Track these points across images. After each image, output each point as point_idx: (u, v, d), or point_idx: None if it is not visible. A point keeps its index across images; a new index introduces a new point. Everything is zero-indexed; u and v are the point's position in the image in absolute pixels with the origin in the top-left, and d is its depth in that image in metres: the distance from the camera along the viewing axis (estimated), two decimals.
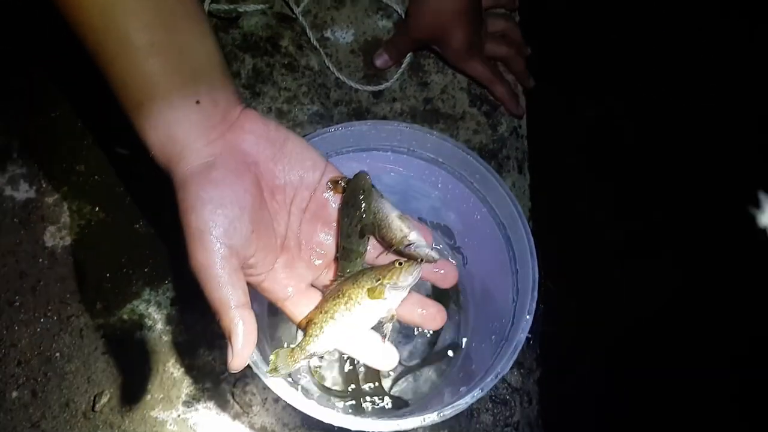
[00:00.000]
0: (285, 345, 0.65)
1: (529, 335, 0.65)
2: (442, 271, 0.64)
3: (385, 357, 0.60)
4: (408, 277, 0.58)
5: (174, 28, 0.52)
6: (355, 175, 0.61)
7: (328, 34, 1.03)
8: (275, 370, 0.59)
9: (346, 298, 0.58)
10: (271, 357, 0.60)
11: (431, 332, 0.88)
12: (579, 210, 1.39)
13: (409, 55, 1.02)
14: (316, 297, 0.61)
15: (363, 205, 0.60)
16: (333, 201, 0.61)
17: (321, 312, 0.59)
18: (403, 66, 1.02)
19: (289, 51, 1.01)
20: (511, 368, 0.88)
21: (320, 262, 0.62)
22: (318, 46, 1.01)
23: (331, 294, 0.60)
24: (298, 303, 0.61)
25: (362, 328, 0.59)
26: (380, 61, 1.01)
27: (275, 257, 0.59)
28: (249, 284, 0.55)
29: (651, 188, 1.46)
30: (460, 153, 0.71)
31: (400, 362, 0.83)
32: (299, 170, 0.59)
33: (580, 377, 1.05)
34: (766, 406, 1.03)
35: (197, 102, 0.53)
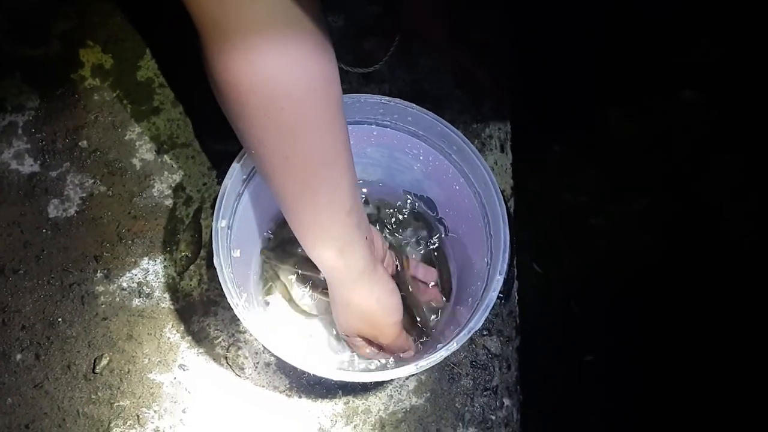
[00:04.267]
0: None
1: (501, 294, 0.69)
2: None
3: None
4: None
5: (356, 193, 0.70)
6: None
7: None
8: None
9: None
10: None
11: None
12: (562, 192, 1.43)
13: (397, 38, 1.06)
14: None
15: None
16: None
17: None
18: (391, 49, 1.06)
19: None
20: (492, 335, 0.93)
21: None
22: None
23: None
24: None
25: None
26: (369, 44, 1.05)
27: None
28: None
29: (635, 175, 1.50)
30: (438, 126, 0.76)
31: None
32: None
33: (556, 347, 1.09)
34: None
35: (366, 238, 0.72)
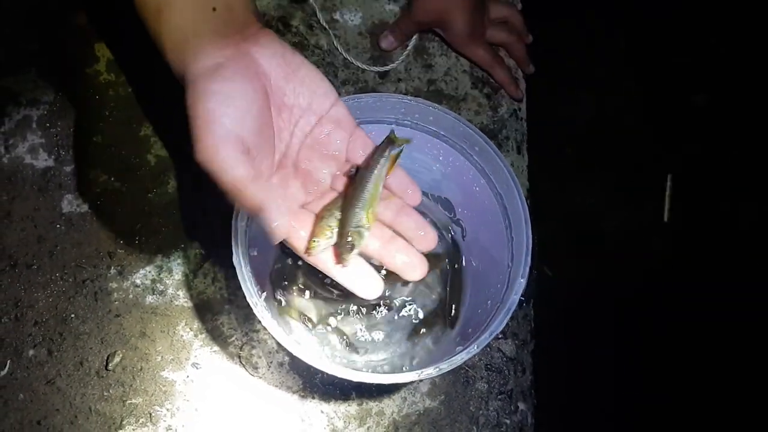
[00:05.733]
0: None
1: (522, 297, 0.68)
2: (422, 233, 0.67)
3: (368, 285, 0.65)
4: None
5: None
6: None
7: (337, 16, 1.07)
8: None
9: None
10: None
11: (431, 302, 0.91)
12: (572, 195, 1.43)
13: (414, 37, 1.06)
14: (307, 218, 0.64)
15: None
16: (336, 138, 0.65)
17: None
18: (408, 48, 1.05)
19: (300, 31, 1.05)
20: (507, 339, 0.92)
21: (313, 189, 0.66)
22: (327, 27, 1.04)
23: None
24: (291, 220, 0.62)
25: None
26: (386, 43, 1.04)
27: (272, 169, 0.61)
28: None
29: (644, 180, 1.50)
30: (460, 126, 0.75)
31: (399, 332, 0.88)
32: (309, 95, 0.61)
33: (569, 351, 1.09)
34: None
35: (213, 9, 0.54)
